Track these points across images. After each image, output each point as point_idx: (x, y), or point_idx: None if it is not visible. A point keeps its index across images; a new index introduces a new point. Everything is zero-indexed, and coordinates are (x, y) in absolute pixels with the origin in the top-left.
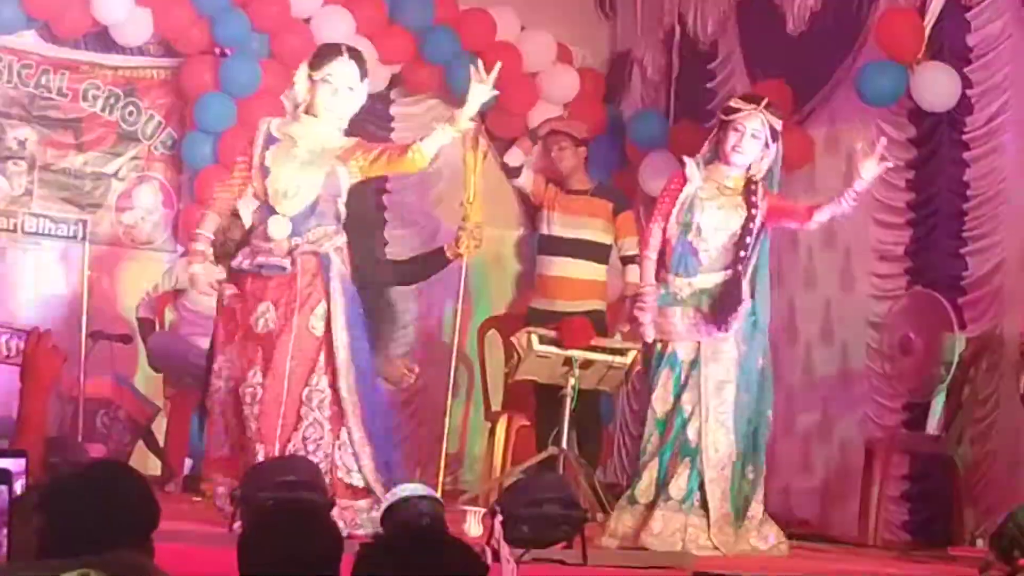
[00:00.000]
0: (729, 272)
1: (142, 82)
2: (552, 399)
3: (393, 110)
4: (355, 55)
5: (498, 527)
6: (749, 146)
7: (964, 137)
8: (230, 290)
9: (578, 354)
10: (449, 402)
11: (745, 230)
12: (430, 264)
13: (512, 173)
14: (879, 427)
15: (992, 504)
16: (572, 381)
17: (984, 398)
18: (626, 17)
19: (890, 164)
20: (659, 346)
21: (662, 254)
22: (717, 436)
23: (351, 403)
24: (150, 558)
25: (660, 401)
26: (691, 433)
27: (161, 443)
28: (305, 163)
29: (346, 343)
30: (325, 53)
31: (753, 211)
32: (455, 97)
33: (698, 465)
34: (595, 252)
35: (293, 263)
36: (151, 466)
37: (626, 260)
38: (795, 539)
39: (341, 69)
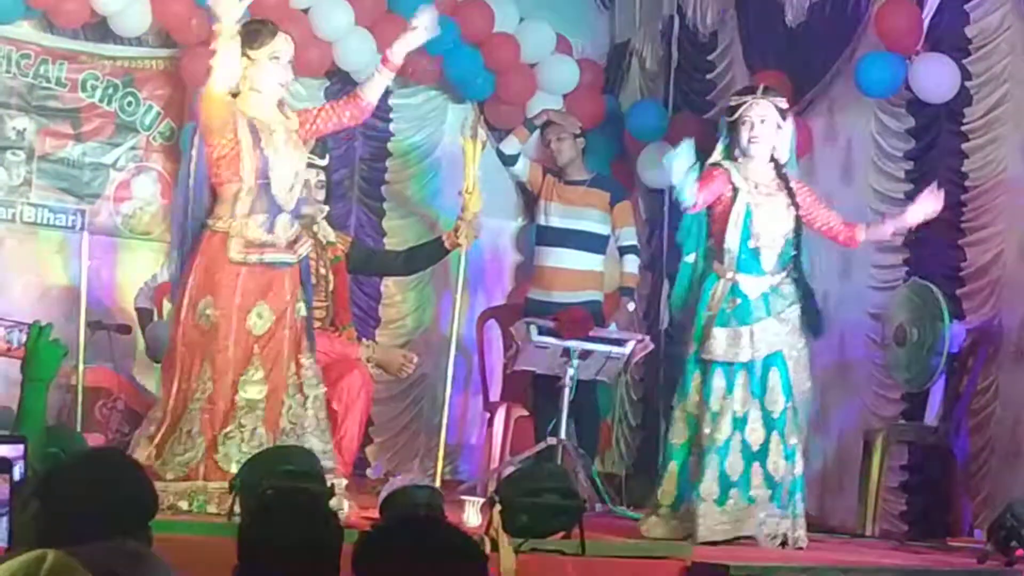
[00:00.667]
0: (791, 275)
1: (141, 72)
2: (550, 389)
3: (391, 101)
4: (287, 34)
5: (496, 517)
6: (763, 132)
7: (963, 128)
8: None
9: (576, 345)
10: (448, 392)
11: (797, 230)
12: (429, 254)
13: (508, 161)
14: (877, 418)
15: (990, 495)
16: (570, 371)
17: (982, 389)
18: (625, 8)
19: (938, 207)
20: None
21: (722, 256)
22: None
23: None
24: (148, 546)
25: (718, 405)
26: (753, 434)
27: None
28: (289, 150)
29: (310, 329)
30: (261, 30)
31: (799, 210)
32: (453, 88)
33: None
34: (593, 242)
35: (298, 258)
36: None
37: (623, 250)
38: None
39: (283, 44)
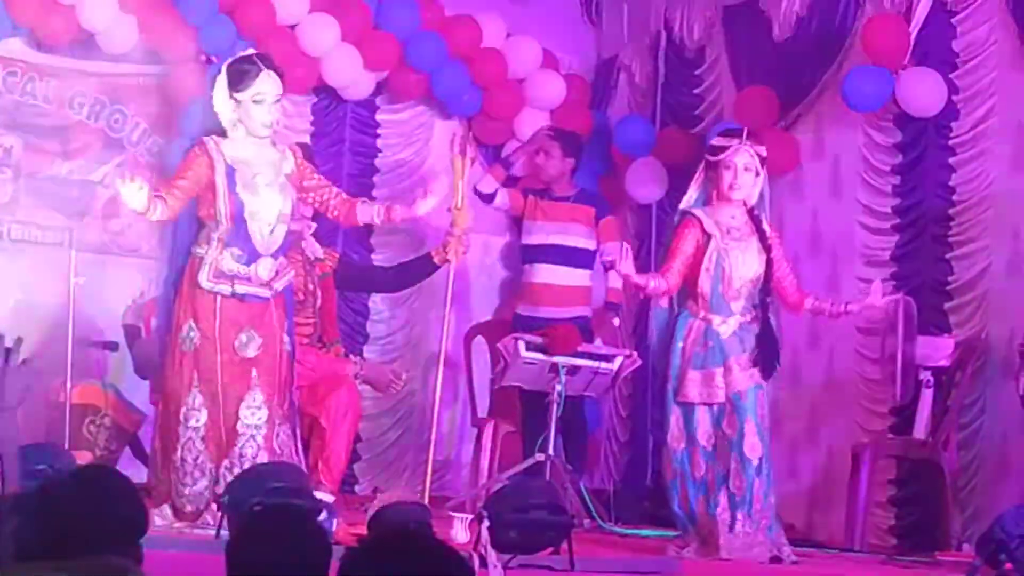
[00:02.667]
0: (758, 316)
1: (128, 89)
2: (538, 405)
3: (379, 117)
4: (271, 63)
5: (485, 533)
6: (744, 180)
7: (950, 142)
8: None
9: (564, 360)
10: (436, 408)
11: (767, 272)
12: (417, 270)
13: (486, 200)
14: (866, 432)
15: (979, 509)
16: (558, 387)
17: (970, 403)
18: (612, 23)
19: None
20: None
21: (697, 298)
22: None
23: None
24: (137, 563)
25: (706, 436)
26: (746, 450)
27: (148, 450)
28: (271, 191)
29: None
30: (244, 70)
31: (771, 253)
32: (441, 104)
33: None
34: (579, 258)
35: (273, 293)
36: (138, 474)
37: (608, 265)
38: None
39: (266, 83)
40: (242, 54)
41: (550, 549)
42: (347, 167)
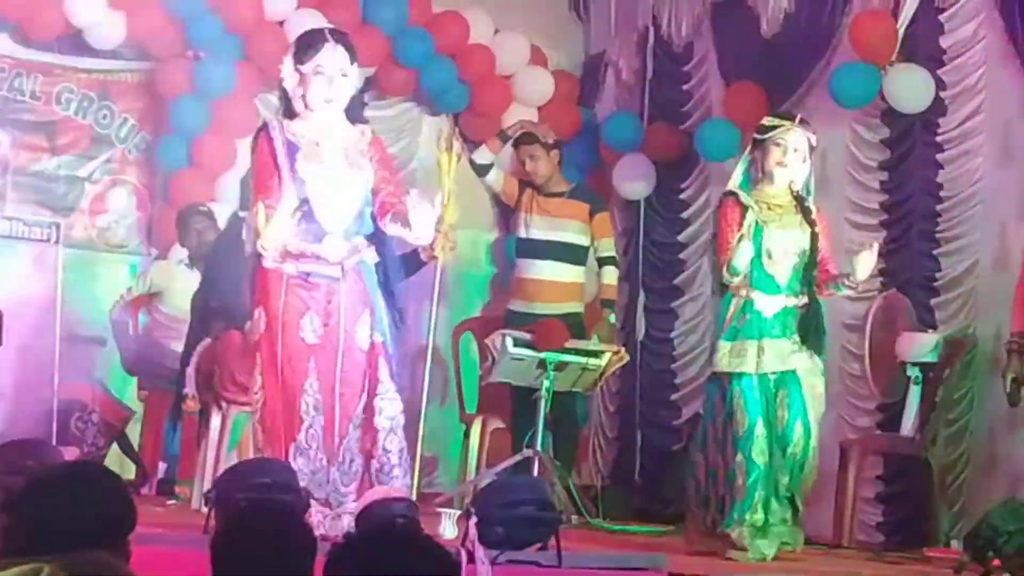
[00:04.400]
0: (805, 298)
1: (116, 85)
2: (527, 401)
3: (366, 113)
4: (341, 38)
5: (473, 529)
6: (792, 160)
7: (937, 139)
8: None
9: (552, 356)
10: (424, 404)
11: (813, 248)
12: (405, 266)
13: (480, 171)
14: (853, 428)
15: (966, 505)
16: (546, 383)
17: (958, 399)
18: (600, 19)
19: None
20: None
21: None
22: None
23: (394, 418)
24: (126, 561)
25: (741, 422)
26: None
27: (135, 446)
28: (340, 169)
29: (387, 355)
30: (309, 42)
31: (815, 228)
32: (428, 100)
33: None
34: (573, 254)
35: (344, 272)
36: (125, 470)
37: (602, 261)
38: None
39: (331, 56)
40: (315, 27)
41: (538, 545)
42: None
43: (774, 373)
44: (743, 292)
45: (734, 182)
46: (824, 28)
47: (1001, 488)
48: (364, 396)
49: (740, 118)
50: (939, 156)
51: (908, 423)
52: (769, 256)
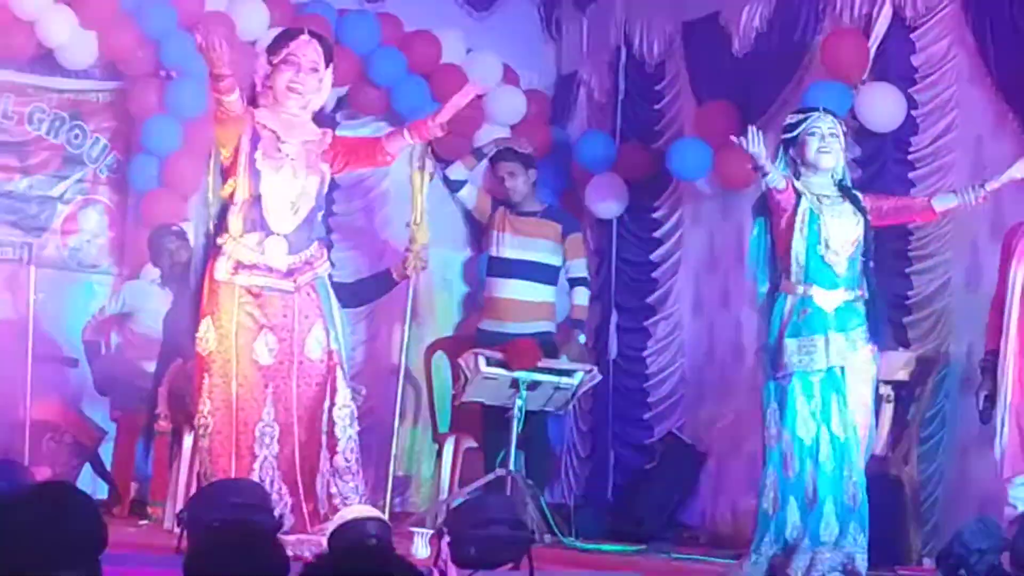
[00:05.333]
0: (863, 288)
1: (87, 105)
2: (499, 421)
3: (338, 132)
4: (318, 36)
5: (445, 548)
6: (832, 143)
7: (909, 157)
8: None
9: (525, 376)
10: (396, 424)
11: (867, 238)
12: (377, 286)
13: (453, 187)
14: None
15: (939, 523)
16: (519, 403)
17: (930, 417)
18: (572, 39)
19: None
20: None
21: (789, 271)
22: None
23: (347, 428)
24: None
25: (804, 429)
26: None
27: (108, 467)
28: (295, 167)
29: (342, 362)
30: (284, 35)
31: (868, 216)
32: (401, 119)
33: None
34: (545, 273)
35: (296, 286)
36: (98, 490)
37: (574, 282)
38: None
39: (303, 47)
40: (288, 29)
41: (510, 565)
42: None
43: (840, 368)
44: (799, 289)
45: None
46: (796, 47)
47: (973, 506)
48: (326, 412)
49: (712, 137)
50: (911, 174)
51: (880, 441)
52: (827, 246)
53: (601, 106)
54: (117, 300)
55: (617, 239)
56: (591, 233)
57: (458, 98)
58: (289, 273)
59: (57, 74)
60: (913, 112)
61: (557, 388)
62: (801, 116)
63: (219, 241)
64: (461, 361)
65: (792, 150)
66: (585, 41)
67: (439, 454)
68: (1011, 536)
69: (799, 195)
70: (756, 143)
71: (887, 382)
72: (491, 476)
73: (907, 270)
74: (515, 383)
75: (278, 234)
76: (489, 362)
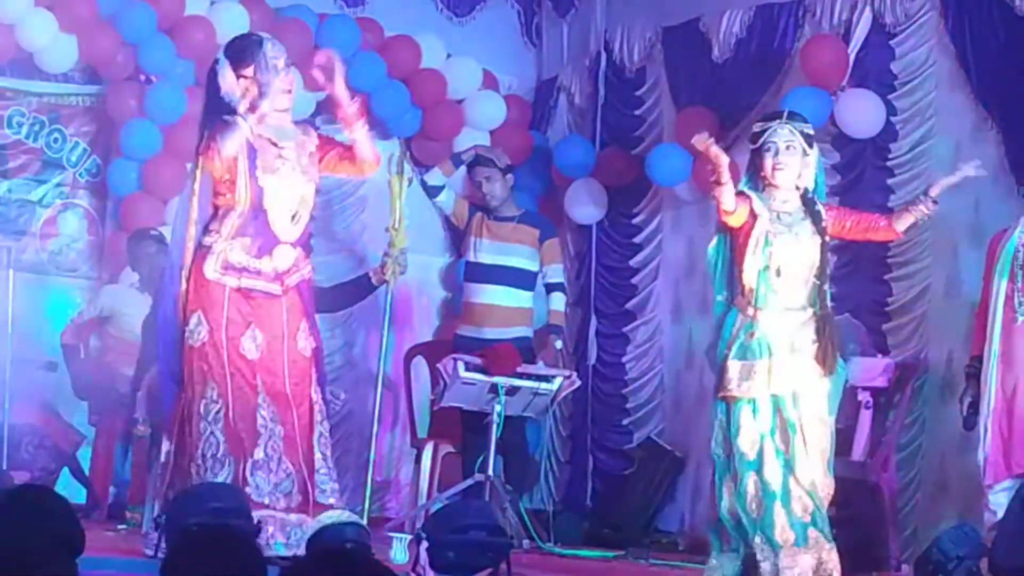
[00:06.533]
0: (817, 310)
1: (67, 109)
2: (478, 426)
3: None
4: (265, 34)
5: (423, 554)
6: (788, 159)
7: (888, 163)
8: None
9: (504, 381)
10: (375, 429)
11: (823, 260)
12: (355, 290)
13: (431, 193)
14: None
15: (917, 530)
16: (498, 408)
17: (909, 424)
18: (552, 44)
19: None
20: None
21: (743, 291)
22: (820, 478)
23: (324, 421)
24: None
25: (748, 443)
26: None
27: (86, 471)
28: (293, 174)
29: (321, 360)
30: (244, 46)
31: (825, 238)
32: (380, 124)
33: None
34: (522, 279)
35: (284, 289)
36: (76, 494)
37: (550, 287)
38: None
39: (275, 49)
40: (234, 37)
41: (489, 570)
42: None
43: (784, 393)
44: (749, 311)
45: (739, 187)
46: (775, 53)
47: (952, 513)
48: (313, 400)
49: (691, 143)
50: (890, 181)
51: (859, 448)
52: (778, 273)
53: (581, 111)
54: (96, 304)
55: (597, 244)
56: (571, 238)
57: (338, 81)
58: (278, 277)
59: (36, 78)
60: (892, 118)
61: (536, 393)
62: (762, 127)
63: (207, 241)
64: (440, 366)
65: (755, 162)
66: (565, 46)
67: (417, 459)
68: (989, 543)
69: (756, 216)
70: (710, 145)
71: (866, 388)
72: (470, 481)
73: (886, 276)
74: (494, 388)
75: (285, 243)
76: (468, 367)
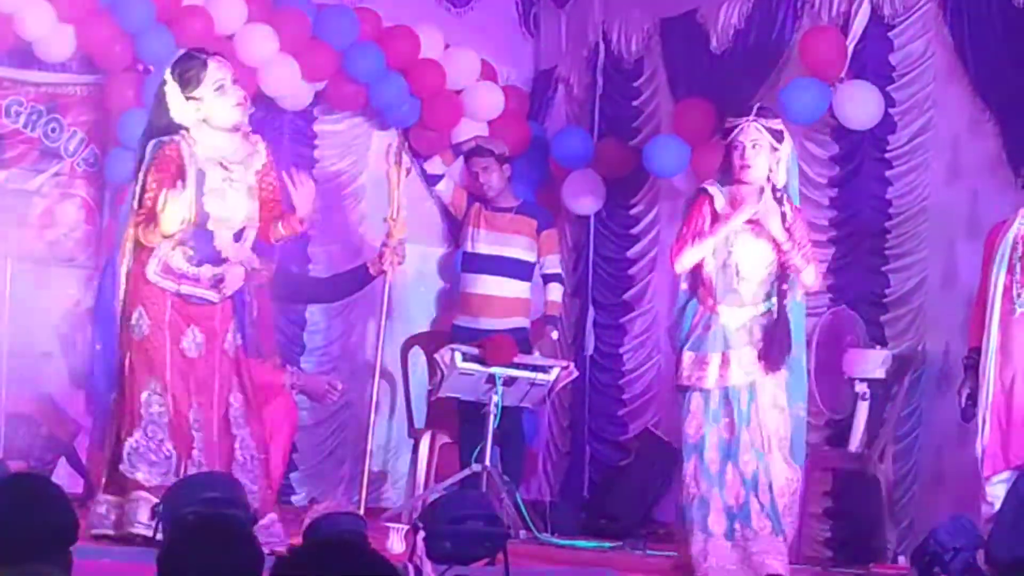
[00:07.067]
0: (773, 306)
1: (65, 98)
2: (475, 416)
3: (316, 127)
4: (208, 51)
5: (420, 544)
6: (753, 157)
7: (886, 155)
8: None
9: (501, 371)
10: (372, 419)
11: (783, 261)
12: (353, 281)
13: (431, 181)
14: None
15: (914, 521)
16: (495, 398)
17: (906, 415)
18: (550, 35)
19: None
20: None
21: (705, 284)
22: (777, 465)
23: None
24: (67, 572)
25: (693, 427)
26: (751, 464)
27: (83, 460)
28: (239, 196)
29: (245, 354)
30: (190, 67)
31: (787, 240)
32: (378, 114)
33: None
34: (520, 269)
35: (221, 297)
36: (73, 484)
37: (547, 278)
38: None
39: (220, 70)
40: (178, 55)
41: (485, 560)
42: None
43: (739, 385)
44: (708, 302)
45: (711, 182)
46: (773, 44)
47: (948, 504)
48: (241, 396)
49: (690, 134)
50: (888, 173)
51: (856, 439)
52: (737, 272)
53: (579, 102)
54: (93, 294)
55: (594, 235)
56: (568, 229)
57: (306, 195)
58: (215, 285)
59: (34, 67)
60: (890, 110)
61: (533, 384)
62: (732, 123)
63: (150, 238)
64: (437, 356)
65: (725, 157)
66: (563, 37)
67: (415, 449)
68: (986, 534)
69: (718, 216)
70: None
71: (863, 380)
72: (467, 472)
73: (884, 268)
74: (491, 379)
75: (232, 261)
76: (465, 357)
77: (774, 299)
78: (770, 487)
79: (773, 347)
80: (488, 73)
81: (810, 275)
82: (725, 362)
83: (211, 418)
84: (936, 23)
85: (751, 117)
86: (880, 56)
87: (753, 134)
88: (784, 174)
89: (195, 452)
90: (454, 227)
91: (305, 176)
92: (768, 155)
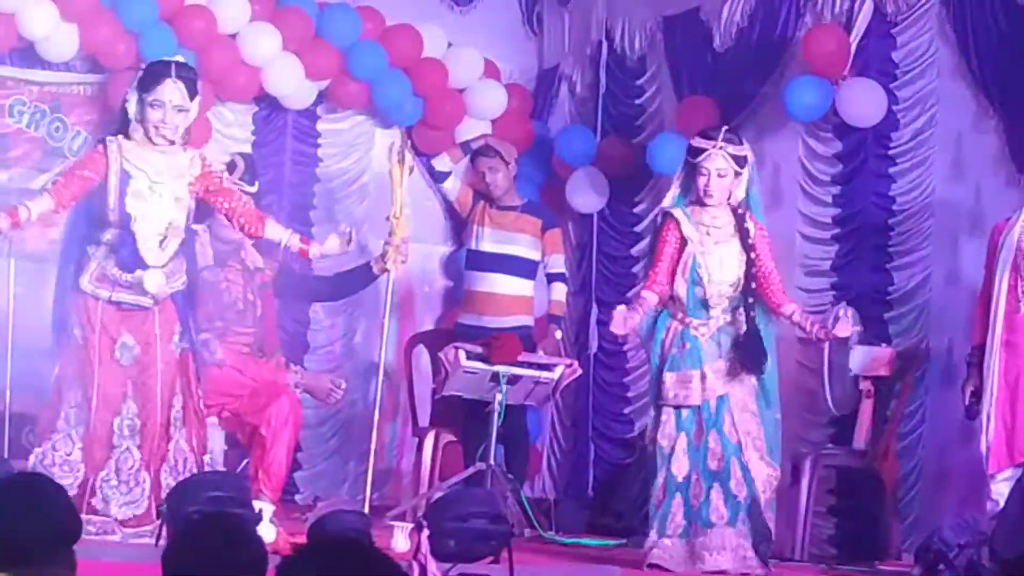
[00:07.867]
0: (738, 319)
1: (68, 98)
2: (479, 414)
3: (319, 126)
4: (184, 73)
5: (425, 542)
6: (717, 185)
7: (890, 152)
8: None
9: (505, 369)
10: (376, 418)
11: (748, 275)
12: (357, 279)
13: (438, 178)
14: (805, 442)
15: (918, 518)
16: (499, 396)
17: (910, 413)
18: (553, 33)
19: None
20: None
21: (675, 299)
22: (755, 463)
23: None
24: (72, 571)
25: (667, 439)
26: (719, 464)
27: None
28: (163, 203)
29: (192, 359)
30: (154, 74)
31: (752, 254)
32: (381, 113)
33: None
34: (524, 268)
35: (155, 303)
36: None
37: (552, 277)
38: None
39: (170, 90)
40: (168, 59)
41: (490, 558)
42: (288, 176)
43: (710, 399)
44: (679, 315)
45: (670, 199)
46: (776, 42)
47: (952, 501)
48: (180, 399)
49: (693, 132)
50: (891, 170)
51: (860, 436)
52: (704, 289)
53: (582, 100)
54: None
55: (598, 233)
56: (572, 227)
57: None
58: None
59: (38, 67)
60: (894, 107)
61: (537, 382)
62: (700, 144)
63: (89, 251)
64: (441, 355)
65: (690, 173)
66: (566, 36)
67: (419, 448)
68: (990, 531)
69: (685, 241)
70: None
71: (867, 377)
72: (471, 470)
73: (888, 265)
74: (495, 377)
75: (153, 267)
76: (469, 356)
77: (737, 318)
78: (752, 482)
79: (748, 356)
80: (491, 71)
81: (788, 308)
82: (703, 377)
83: (152, 422)
84: (939, 20)
85: (718, 144)
86: (883, 53)
87: (719, 163)
88: (743, 190)
89: (110, 462)
90: (458, 225)
91: (352, 232)
92: (731, 180)
